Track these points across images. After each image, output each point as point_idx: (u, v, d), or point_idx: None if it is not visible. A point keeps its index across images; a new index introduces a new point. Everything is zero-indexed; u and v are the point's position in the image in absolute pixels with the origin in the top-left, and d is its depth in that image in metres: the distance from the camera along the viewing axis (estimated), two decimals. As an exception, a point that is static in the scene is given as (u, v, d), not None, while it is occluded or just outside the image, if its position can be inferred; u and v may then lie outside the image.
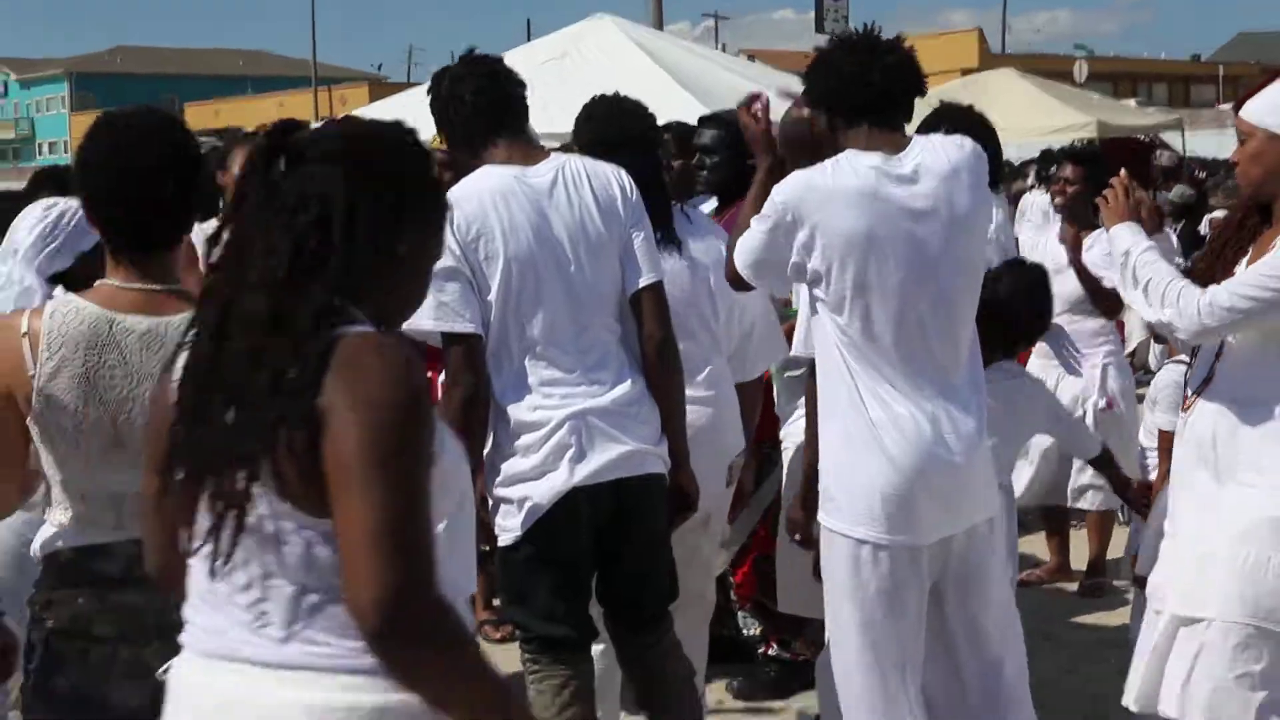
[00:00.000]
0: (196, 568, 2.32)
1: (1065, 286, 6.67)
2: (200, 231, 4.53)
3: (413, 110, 14.16)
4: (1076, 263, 6.90)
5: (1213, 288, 3.83)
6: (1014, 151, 14.50)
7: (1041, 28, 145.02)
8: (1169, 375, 5.55)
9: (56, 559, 3.10)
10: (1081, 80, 41.12)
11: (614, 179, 4.27)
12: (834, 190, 3.89)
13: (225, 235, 2.31)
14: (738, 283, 4.23)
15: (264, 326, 2.17)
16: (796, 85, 4.45)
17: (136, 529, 2.74)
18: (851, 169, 3.91)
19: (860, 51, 4.01)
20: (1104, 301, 6.87)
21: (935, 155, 3.99)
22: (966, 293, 4.06)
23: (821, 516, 4.08)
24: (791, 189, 3.94)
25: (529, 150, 4.28)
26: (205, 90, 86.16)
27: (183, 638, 2.37)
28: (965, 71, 51.29)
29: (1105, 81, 53.66)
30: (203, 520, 2.25)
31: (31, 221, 3.99)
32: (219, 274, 2.31)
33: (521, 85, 4.39)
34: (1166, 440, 5.02)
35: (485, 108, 4.26)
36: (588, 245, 4.17)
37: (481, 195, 4.01)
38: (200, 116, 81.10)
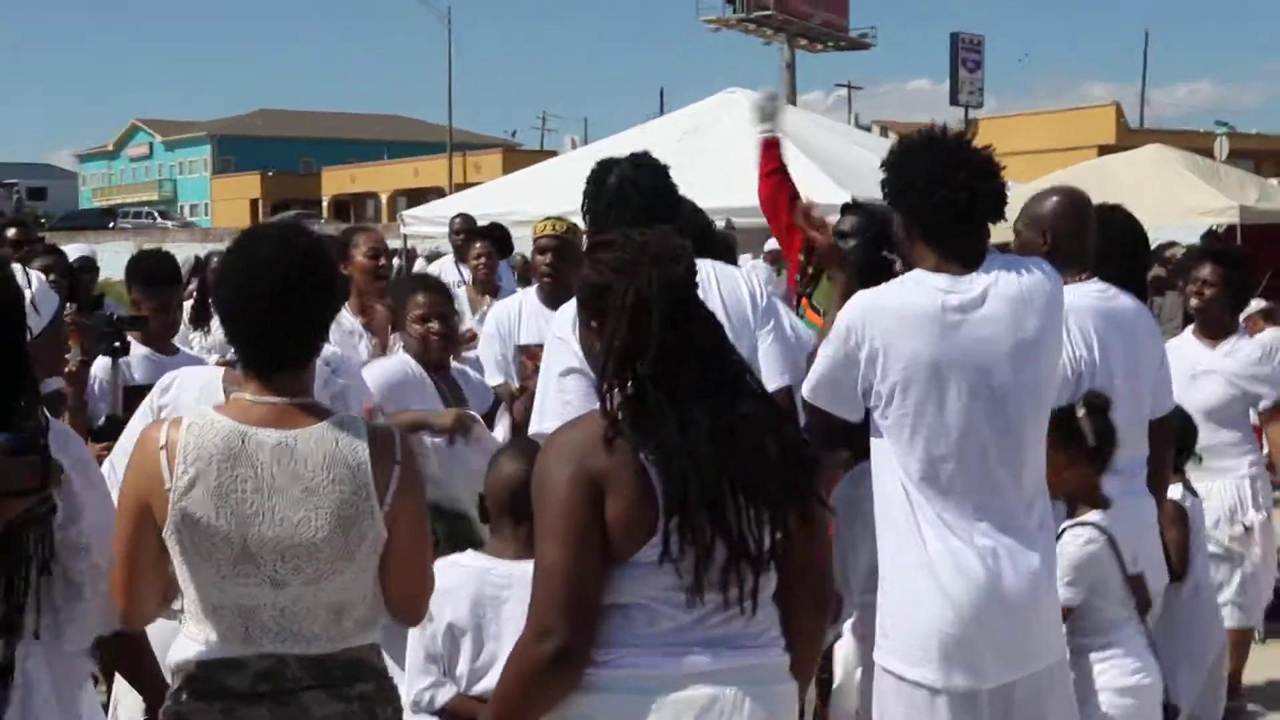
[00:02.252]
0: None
1: (1201, 394, 6.37)
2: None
3: (545, 180, 14.26)
4: None
5: None
6: (1150, 234, 14.15)
7: (1180, 100, 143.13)
8: None
9: (187, 671, 3.10)
10: (1222, 158, 40.39)
11: (743, 282, 4.21)
12: (900, 311, 3.78)
13: None
14: (813, 410, 4.08)
15: None
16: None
17: (266, 643, 2.94)
18: (919, 290, 3.79)
19: (951, 164, 3.85)
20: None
21: (1006, 279, 3.84)
22: (1034, 422, 3.88)
23: (877, 655, 3.92)
24: (858, 310, 3.83)
25: None
26: (342, 154, 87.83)
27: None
28: (1103, 148, 50.83)
29: (1247, 159, 52.80)
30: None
31: None
32: None
33: (676, 196, 4.37)
34: None
35: (640, 216, 4.17)
36: None
37: None
38: (337, 181, 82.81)
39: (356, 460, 3.06)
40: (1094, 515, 4.51)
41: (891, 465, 3.83)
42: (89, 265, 9.55)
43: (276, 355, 3.12)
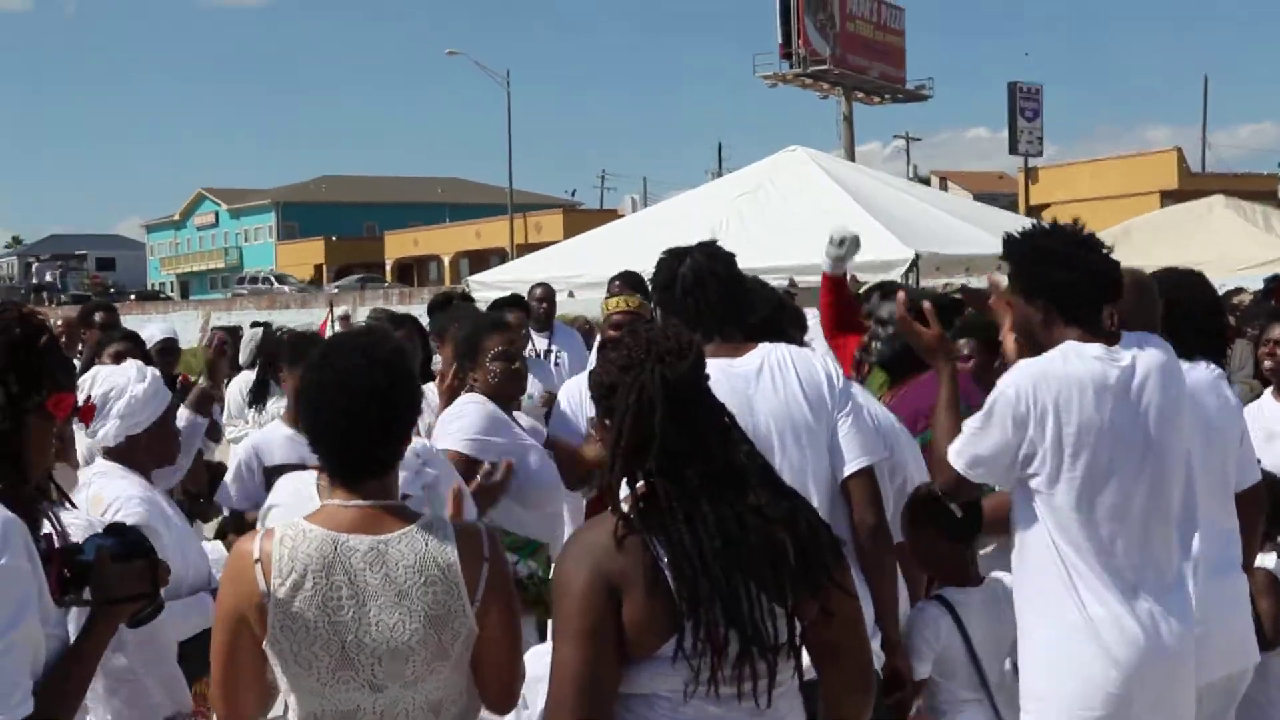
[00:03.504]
0: None
1: (1278, 454, 6.28)
2: None
3: (607, 241, 14.30)
4: None
5: None
6: (1214, 283, 14.05)
7: (1243, 141, 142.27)
8: None
9: None
10: (1287, 200, 40.11)
11: (819, 366, 4.24)
12: (1071, 379, 3.94)
13: None
14: (956, 490, 4.20)
15: None
16: (1000, 278, 4.43)
17: None
18: (1081, 359, 3.97)
19: (1086, 248, 4.07)
20: None
21: (1147, 350, 4.05)
22: (1180, 486, 4.06)
23: (1033, 714, 4.03)
24: (1026, 378, 3.97)
25: (736, 345, 4.29)
26: (405, 218, 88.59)
27: None
28: (1165, 193, 50.57)
29: (1312, 200, 52.37)
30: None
31: None
32: None
33: (745, 283, 4.45)
34: None
35: (714, 308, 4.29)
36: (794, 431, 4.12)
37: None
38: (400, 244, 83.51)
39: (446, 561, 3.12)
40: (948, 591, 4.55)
41: (1044, 530, 3.98)
42: (170, 347, 9.67)
43: (363, 464, 3.18)
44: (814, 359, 4.26)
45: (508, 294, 11.08)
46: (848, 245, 7.52)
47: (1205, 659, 4.21)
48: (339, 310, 27.12)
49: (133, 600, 3.02)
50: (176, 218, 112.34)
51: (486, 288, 17.38)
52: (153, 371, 4.80)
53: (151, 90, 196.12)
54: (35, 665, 2.79)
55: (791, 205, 14.72)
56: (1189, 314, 4.77)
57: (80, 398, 4.50)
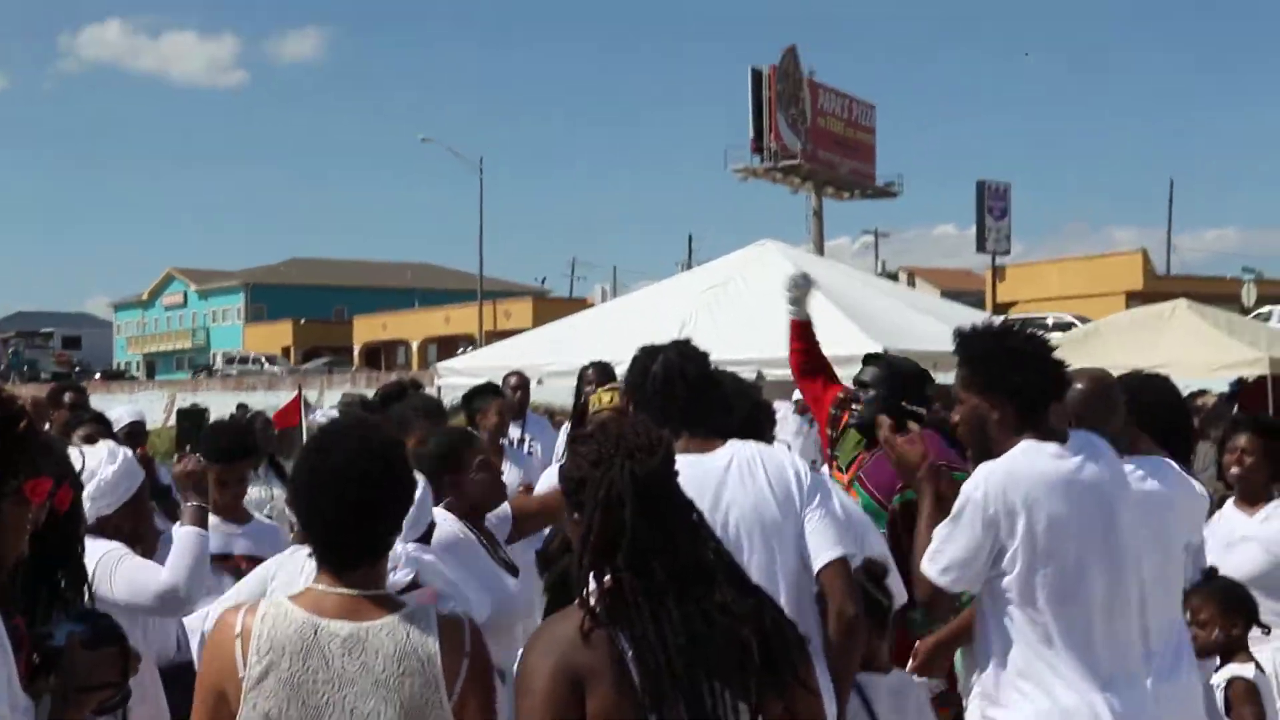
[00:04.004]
0: None
1: (1239, 561, 6.31)
2: None
3: (577, 330, 14.31)
4: None
5: None
6: (1179, 385, 14.16)
7: (1207, 245, 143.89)
8: None
9: None
10: (1250, 303, 40.59)
11: (788, 464, 4.26)
12: (1037, 478, 4.02)
13: None
14: (935, 603, 4.26)
15: None
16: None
17: None
18: (1041, 457, 4.05)
19: (1040, 348, 4.19)
20: None
21: (1096, 449, 4.15)
22: (1136, 581, 4.13)
23: None
24: (994, 479, 4.04)
25: (706, 441, 4.31)
26: (374, 302, 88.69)
27: None
28: (1130, 294, 51.06)
29: (1275, 304, 52.81)
30: None
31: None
32: None
33: (718, 382, 4.49)
34: None
35: (684, 405, 4.32)
36: (762, 529, 4.14)
37: None
38: (368, 328, 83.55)
39: (427, 653, 3.12)
40: (859, 674, 4.56)
41: (1016, 626, 4.04)
42: (137, 430, 9.64)
43: (353, 552, 3.19)
44: (783, 457, 4.29)
45: (481, 381, 11.06)
46: (801, 286, 7.60)
47: None
48: (259, 395, 27.26)
49: (102, 689, 3.00)
50: (145, 297, 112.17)
51: (456, 374, 17.43)
52: (125, 452, 4.79)
53: (123, 169, 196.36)
54: None
55: (760, 298, 14.78)
56: (1154, 415, 4.83)
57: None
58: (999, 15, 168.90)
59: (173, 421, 21.26)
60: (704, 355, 4.49)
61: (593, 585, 3.05)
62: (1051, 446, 4.08)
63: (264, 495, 8.69)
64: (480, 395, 9.31)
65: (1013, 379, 4.14)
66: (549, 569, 4.40)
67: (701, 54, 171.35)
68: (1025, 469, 4.04)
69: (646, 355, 4.48)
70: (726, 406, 4.50)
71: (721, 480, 4.17)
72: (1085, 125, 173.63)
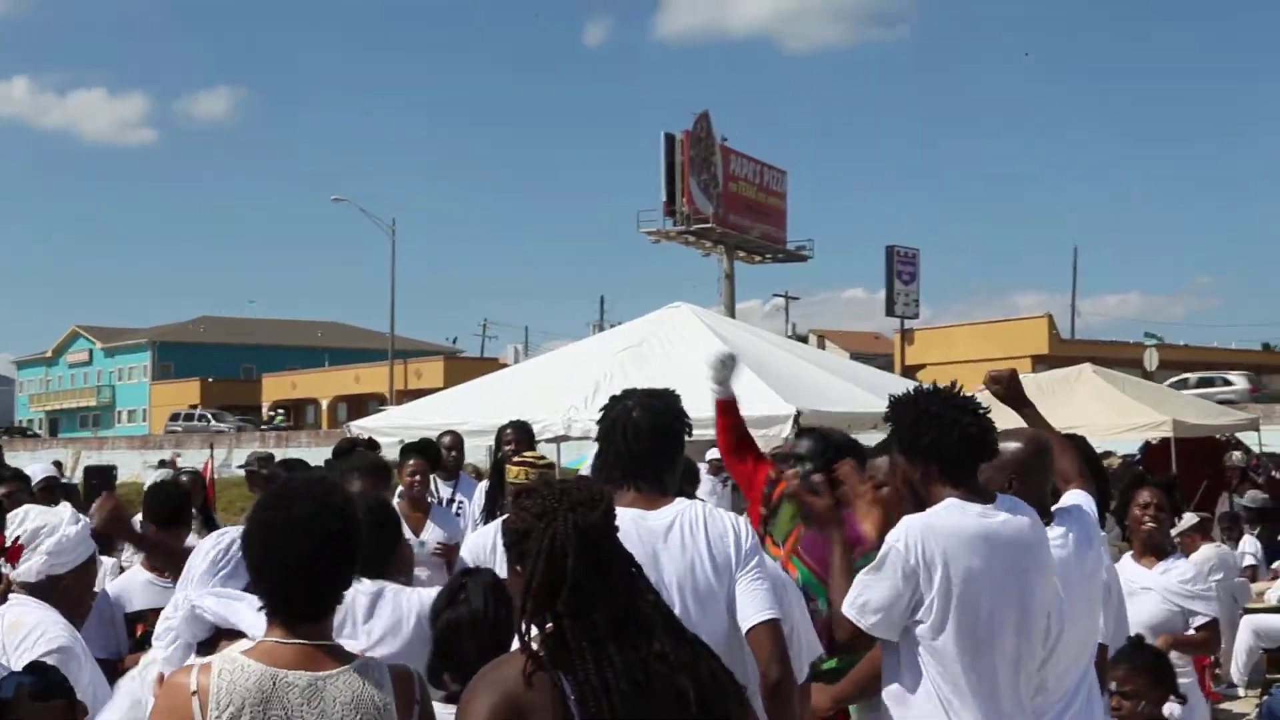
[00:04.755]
0: None
1: (1139, 610, 6.55)
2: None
3: (489, 390, 14.18)
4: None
5: None
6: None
7: (1110, 310, 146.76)
8: None
9: None
10: (1152, 368, 41.34)
11: (730, 526, 4.30)
12: (955, 531, 4.20)
13: None
14: (855, 642, 4.39)
15: None
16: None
17: None
18: (962, 513, 4.22)
19: (964, 411, 4.32)
20: (1207, 648, 6.76)
21: (1019, 510, 4.33)
22: (1042, 637, 4.31)
23: None
24: (915, 531, 4.20)
25: (654, 497, 4.35)
26: (284, 361, 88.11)
27: None
28: (1036, 358, 51.79)
29: (1175, 370, 53.81)
30: None
31: (206, 548, 4.14)
32: None
33: (678, 432, 4.50)
34: None
35: (632, 459, 4.36)
36: (695, 590, 4.19)
37: None
38: (278, 387, 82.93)
39: (382, 702, 3.21)
40: None
41: (926, 674, 4.19)
42: (52, 485, 9.60)
43: (308, 606, 3.25)
44: (727, 519, 4.33)
45: (394, 440, 11.02)
46: (727, 365, 7.71)
47: None
48: (166, 454, 27.11)
49: None
50: (49, 354, 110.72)
51: (369, 433, 17.29)
52: (85, 519, 4.79)
53: (28, 224, 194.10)
54: None
55: (674, 359, 14.84)
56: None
57: (9, 534, 4.55)
58: (908, 85, 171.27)
59: (79, 478, 21.01)
60: (663, 409, 4.50)
61: (534, 632, 3.10)
62: (974, 505, 4.24)
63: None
64: (411, 454, 9.29)
65: (932, 441, 4.30)
66: (435, 621, 4.40)
67: (614, 116, 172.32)
68: (944, 523, 4.20)
69: (611, 402, 4.54)
70: (677, 463, 4.51)
71: (661, 540, 4.21)
72: (992, 192, 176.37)
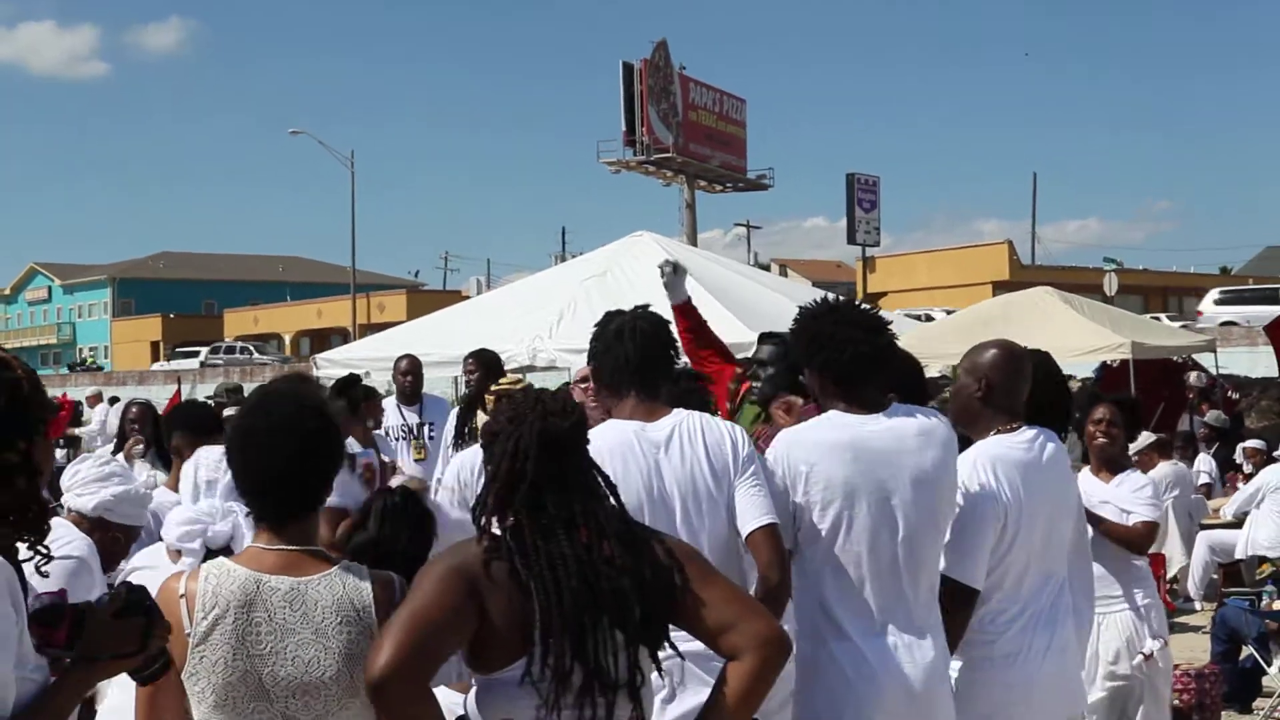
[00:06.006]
0: None
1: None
2: None
3: (452, 322, 14.30)
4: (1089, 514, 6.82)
5: None
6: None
7: (1070, 236, 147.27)
8: None
9: None
10: (1112, 293, 41.53)
11: (727, 434, 4.49)
12: (817, 441, 4.39)
13: None
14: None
15: None
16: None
17: None
18: (831, 425, 4.43)
19: (859, 328, 4.50)
20: (1138, 544, 6.89)
21: (907, 420, 4.47)
22: (930, 540, 4.44)
23: None
24: (782, 446, 4.45)
25: (654, 407, 4.52)
26: (245, 295, 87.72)
27: None
28: (997, 284, 52.00)
29: (1135, 294, 54.18)
30: None
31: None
32: None
33: (673, 351, 4.74)
34: None
35: (637, 364, 4.55)
36: (695, 497, 4.38)
37: (599, 452, 3.94)
38: (240, 322, 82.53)
39: (363, 603, 3.32)
40: None
41: (809, 574, 4.36)
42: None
43: (288, 507, 3.37)
44: (724, 428, 4.52)
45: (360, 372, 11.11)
46: (674, 271, 7.90)
47: (1031, 707, 4.64)
48: (89, 390, 27.26)
49: (122, 659, 3.01)
50: (7, 292, 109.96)
51: (334, 365, 17.33)
52: (167, 493, 4.96)
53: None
54: (3, 706, 2.80)
55: (639, 288, 14.90)
56: (1037, 388, 5.09)
57: (88, 465, 4.94)
58: (867, 12, 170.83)
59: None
60: (662, 322, 4.72)
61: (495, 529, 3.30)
62: (850, 417, 4.41)
63: (149, 480, 8.76)
64: (345, 389, 9.38)
65: (826, 358, 4.48)
66: (348, 543, 4.52)
67: (572, 47, 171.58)
68: (811, 436, 4.41)
69: (606, 318, 4.74)
70: (675, 375, 4.74)
71: (662, 450, 4.40)
72: (951, 120, 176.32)
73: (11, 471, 2.92)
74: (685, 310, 7.72)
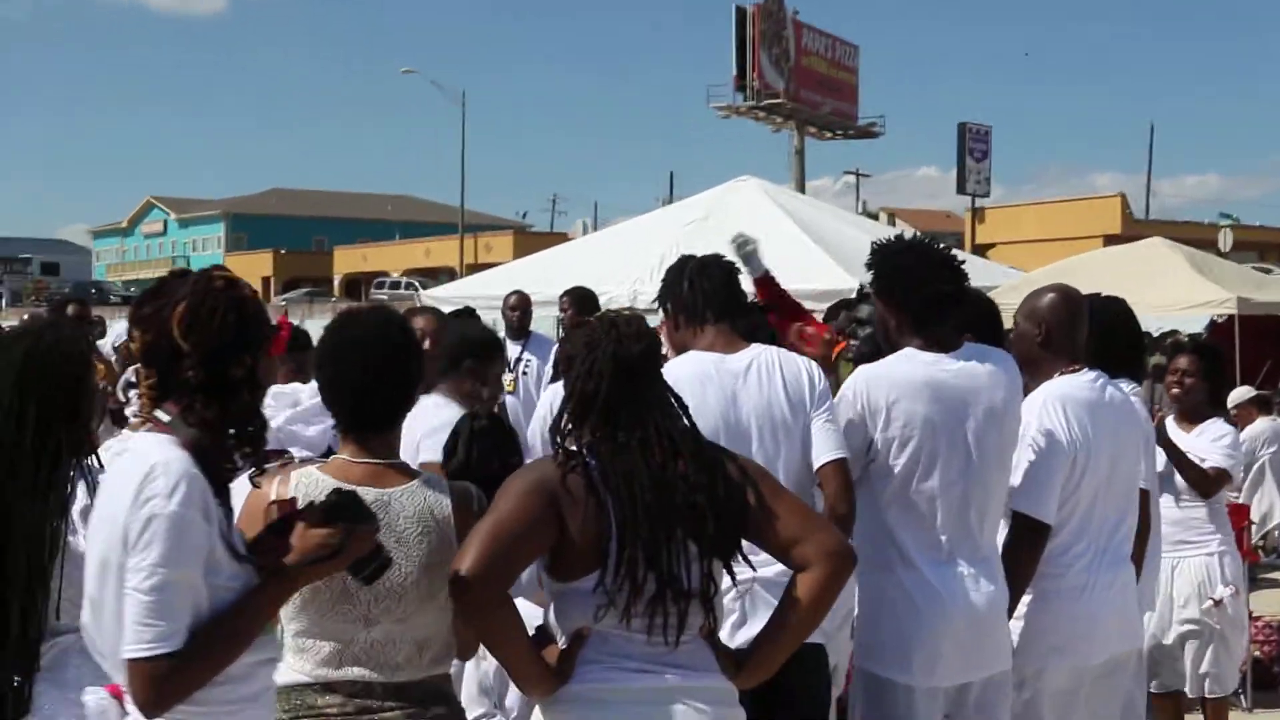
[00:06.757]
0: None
1: (1178, 476, 6.74)
2: None
3: (557, 262, 14.49)
4: (1168, 446, 6.80)
5: None
6: (1153, 323, 14.43)
7: (1186, 191, 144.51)
8: None
9: (287, 693, 3.45)
10: (1226, 249, 40.74)
11: (804, 369, 4.67)
12: (897, 378, 4.51)
13: None
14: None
15: None
16: None
17: (357, 670, 3.44)
18: (909, 363, 4.53)
19: (938, 267, 4.61)
20: (1205, 485, 6.87)
21: (979, 360, 4.58)
22: (997, 476, 4.58)
23: (856, 661, 4.65)
24: (862, 381, 4.58)
25: (732, 339, 4.72)
26: (354, 233, 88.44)
27: None
28: (1108, 237, 51.15)
29: (1251, 250, 53.06)
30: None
31: None
32: None
33: (739, 288, 4.98)
34: None
35: (710, 296, 4.77)
36: (772, 426, 4.55)
37: (679, 381, 4.04)
38: (349, 260, 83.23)
39: (443, 514, 3.51)
40: None
41: (880, 506, 4.50)
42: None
43: (374, 418, 3.55)
44: (800, 362, 4.68)
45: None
46: (749, 246, 7.94)
47: (1094, 640, 4.77)
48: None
49: (319, 563, 3.11)
50: (124, 225, 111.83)
51: (441, 303, 17.52)
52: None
53: (101, 96, 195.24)
54: (198, 611, 2.94)
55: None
56: (1113, 335, 5.14)
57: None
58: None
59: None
60: (732, 265, 4.97)
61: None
62: (928, 355, 4.52)
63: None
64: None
65: (900, 293, 4.59)
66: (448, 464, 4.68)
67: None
68: (891, 372, 4.52)
69: (681, 261, 4.96)
70: (750, 310, 4.93)
71: (740, 380, 4.58)
72: (1068, 69, 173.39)
73: (238, 385, 3.11)
74: (765, 283, 7.78)
